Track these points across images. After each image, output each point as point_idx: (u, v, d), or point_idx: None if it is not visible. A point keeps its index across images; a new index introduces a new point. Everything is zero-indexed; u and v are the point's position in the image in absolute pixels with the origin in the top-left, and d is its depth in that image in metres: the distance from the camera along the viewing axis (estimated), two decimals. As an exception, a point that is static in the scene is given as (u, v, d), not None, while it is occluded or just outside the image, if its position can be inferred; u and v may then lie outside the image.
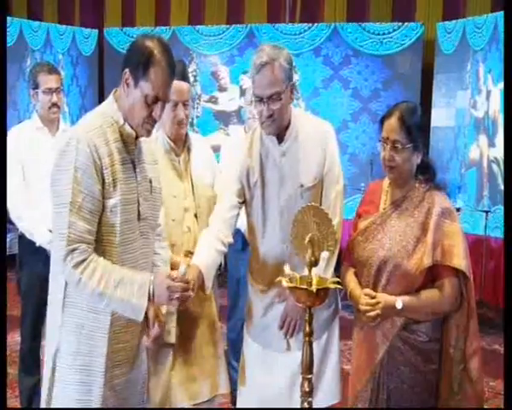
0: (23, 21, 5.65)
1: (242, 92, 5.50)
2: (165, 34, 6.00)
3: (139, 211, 1.66)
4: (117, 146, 1.60)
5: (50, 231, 2.54)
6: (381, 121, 1.87)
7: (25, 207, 2.56)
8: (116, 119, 1.61)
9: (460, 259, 1.79)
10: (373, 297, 1.82)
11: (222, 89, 5.90)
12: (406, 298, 1.80)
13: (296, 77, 5.47)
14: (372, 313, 1.80)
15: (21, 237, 2.65)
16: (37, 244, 2.57)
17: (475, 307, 1.85)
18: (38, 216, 2.56)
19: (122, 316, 1.62)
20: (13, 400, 2.86)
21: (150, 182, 1.72)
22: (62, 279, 1.60)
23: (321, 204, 1.97)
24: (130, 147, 1.64)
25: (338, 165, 2.05)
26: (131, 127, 1.62)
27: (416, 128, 1.82)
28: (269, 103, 1.90)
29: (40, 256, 2.58)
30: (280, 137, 2.00)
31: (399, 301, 1.79)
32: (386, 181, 1.96)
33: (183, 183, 2.12)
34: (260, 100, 1.91)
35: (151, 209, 1.72)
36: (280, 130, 1.98)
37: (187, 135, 2.16)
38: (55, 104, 2.62)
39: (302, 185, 1.99)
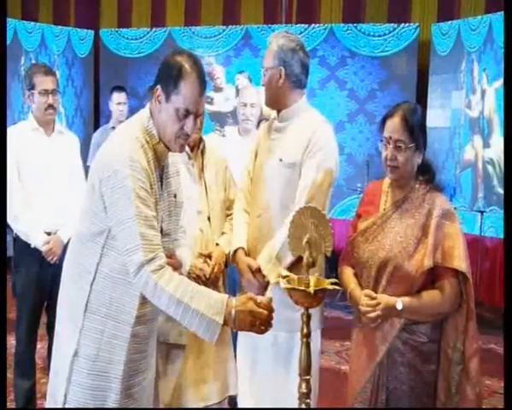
0: (17, 22, 5.63)
1: (238, 92, 5.49)
2: (160, 36, 6.01)
3: (162, 228, 1.65)
4: (153, 164, 1.60)
5: (46, 232, 2.59)
6: (383, 121, 1.88)
7: (20, 209, 2.54)
8: (152, 136, 1.61)
9: (460, 260, 1.79)
10: (373, 298, 1.81)
11: (217, 89, 5.89)
12: (406, 299, 1.80)
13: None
14: (372, 314, 1.79)
15: (16, 240, 2.64)
16: (32, 246, 2.56)
17: (474, 308, 1.85)
18: (34, 218, 2.55)
19: (146, 329, 1.63)
20: (8, 403, 2.84)
21: (175, 196, 1.72)
22: (87, 284, 1.59)
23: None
24: (161, 163, 1.65)
25: (322, 158, 2.02)
26: (164, 144, 1.62)
27: (418, 128, 1.83)
28: (264, 75, 2.12)
29: (35, 258, 2.56)
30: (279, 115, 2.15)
31: (400, 303, 1.78)
32: (386, 181, 1.95)
33: (196, 185, 2.16)
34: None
35: (173, 224, 1.73)
36: (272, 105, 2.15)
37: (201, 138, 2.21)
38: (50, 106, 2.60)
39: (281, 160, 2.06)
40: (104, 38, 6.15)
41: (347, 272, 1.97)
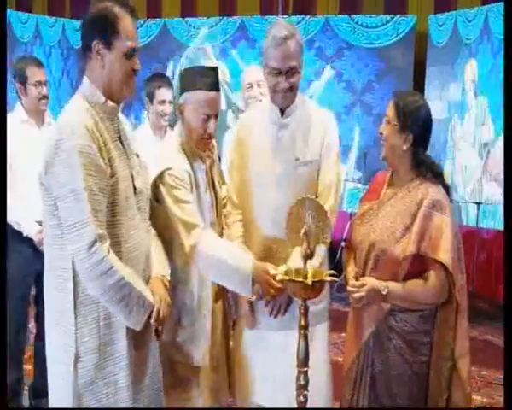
0: (11, 12, 5.57)
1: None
2: (155, 27, 5.96)
3: (134, 185, 1.66)
4: (104, 125, 1.60)
5: (38, 222, 2.55)
6: None
7: (12, 199, 2.55)
8: (97, 99, 1.61)
9: (446, 253, 1.80)
10: (358, 280, 1.87)
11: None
12: (392, 284, 1.84)
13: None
14: (356, 295, 1.83)
15: (8, 228, 2.64)
16: (25, 234, 2.59)
17: (467, 306, 1.85)
18: (26, 207, 2.57)
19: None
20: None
21: (137, 156, 1.74)
22: (69, 282, 1.55)
23: (317, 185, 2.03)
24: (115, 124, 1.65)
25: (337, 150, 2.07)
26: (112, 100, 1.62)
27: (409, 112, 1.88)
28: (287, 76, 1.96)
29: (27, 246, 2.59)
30: (282, 111, 2.05)
31: (385, 287, 1.82)
32: (390, 172, 2.01)
33: (207, 195, 2.01)
34: (278, 73, 1.96)
35: (144, 183, 1.74)
36: (285, 103, 2.03)
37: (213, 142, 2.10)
38: (45, 96, 2.66)
39: (297, 159, 2.02)
40: (99, 29, 6.10)
41: (348, 256, 2.02)
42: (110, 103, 1.62)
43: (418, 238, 1.81)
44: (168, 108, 2.89)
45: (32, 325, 2.89)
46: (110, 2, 1.59)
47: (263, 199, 2.04)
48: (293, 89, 1.99)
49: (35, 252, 2.60)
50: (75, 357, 1.57)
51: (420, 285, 1.83)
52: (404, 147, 1.87)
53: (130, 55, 1.59)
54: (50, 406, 1.66)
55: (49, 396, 1.67)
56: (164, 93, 2.87)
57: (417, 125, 1.88)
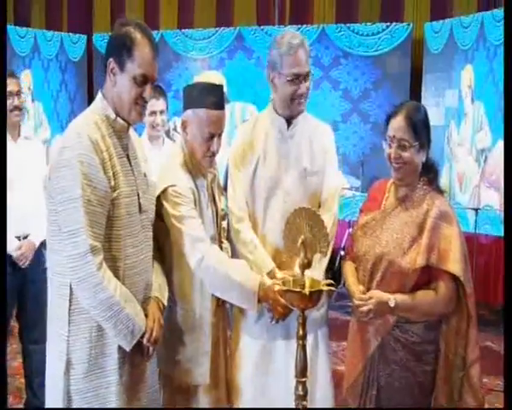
0: (9, 27, 5.61)
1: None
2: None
3: (140, 203, 1.67)
4: (112, 141, 1.62)
5: (17, 237, 2.56)
6: (387, 120, 1.89)
7: None
8: (108, 114, 1.63)
9: (455, 263, 1.79)
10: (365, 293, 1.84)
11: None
12: (400, 296, 1.81)
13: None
14: (364, 308, 1.81)
15: None
16: None
17: (475, 314, 1.84)
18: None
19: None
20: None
21: (145, 176, 1.74)
22: (66, 288, 1.57)
23: (321, 194, 2.06)
24: (123, 141, 1.67)
25: (336, 159, 2.17)
26: (123, 119, 1.64)
27: (422, 126, 1.85)
28: (302, 82, 2.00)
29: (7, 263, 2.52)
30: (288, 122, 2.08)
31: (392, 299, 1.80)
32: (391, 180, 1.98)
33: (209, 210, 1.97)
34: (296, 78, 1.99)
35: (150, 203, 1.75)
36: (300, 111, 2.07)
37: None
38: (16, 107, 2.60)
39: (305, 169, 2.05)
40: (97, 43, 6.14)
41: (348, 266, 2.00)
42: (120, 121, 1.64)
43: (427, 250, 1.79)
44: (159, 119, 2.87)
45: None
46: (133, 28, 1.62)
47: (270, 209, 2.05)
48: (305, 95, 2.04)
49: (15, 269, 2.56)
50: (66, 364, 1.57)
51: (430, 296, 1.82)
52: (423, 159, 1.87)
53: (140, 81, 1.60)
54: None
55: (45, 402, 1.67)
56: (153, 104, 2.83)
57: (428, 136, 1.88)
